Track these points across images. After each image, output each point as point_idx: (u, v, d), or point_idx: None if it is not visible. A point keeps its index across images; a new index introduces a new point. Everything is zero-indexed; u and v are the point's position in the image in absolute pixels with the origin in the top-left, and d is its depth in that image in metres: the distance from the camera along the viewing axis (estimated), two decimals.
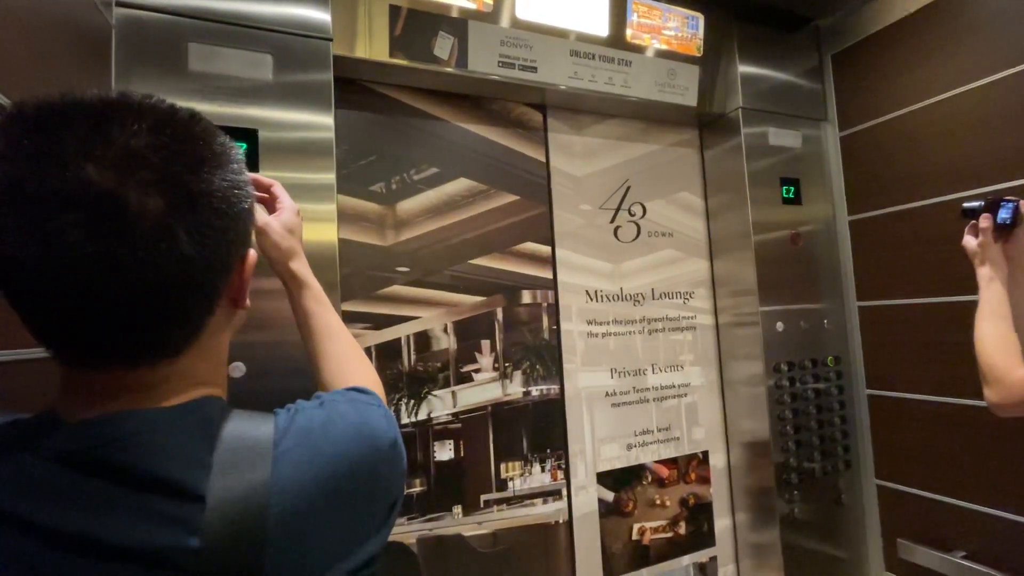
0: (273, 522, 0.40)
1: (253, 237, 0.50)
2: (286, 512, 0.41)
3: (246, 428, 0.43)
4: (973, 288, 1.01)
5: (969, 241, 1.02)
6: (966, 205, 1.03)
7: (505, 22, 1.18)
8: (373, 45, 1.07)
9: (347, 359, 0.68)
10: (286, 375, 0.83)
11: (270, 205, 0.72)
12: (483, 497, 1.22)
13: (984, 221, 0.99)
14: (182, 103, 0.43)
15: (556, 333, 1.34)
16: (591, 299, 1.39)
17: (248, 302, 0.49)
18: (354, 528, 0.46)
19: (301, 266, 0.71)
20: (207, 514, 0.38)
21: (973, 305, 0.99)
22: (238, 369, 0.85)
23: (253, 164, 0.90)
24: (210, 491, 0.39)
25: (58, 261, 0.35)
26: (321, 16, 0.98)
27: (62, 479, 0.38)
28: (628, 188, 1.47)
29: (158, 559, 0.37)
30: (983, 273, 0.99)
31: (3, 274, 0.37)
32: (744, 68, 1.44)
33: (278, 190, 0.73)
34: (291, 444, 0.44)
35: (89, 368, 0.41)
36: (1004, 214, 0.98)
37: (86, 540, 0.36)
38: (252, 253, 0.48)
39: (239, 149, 0.46)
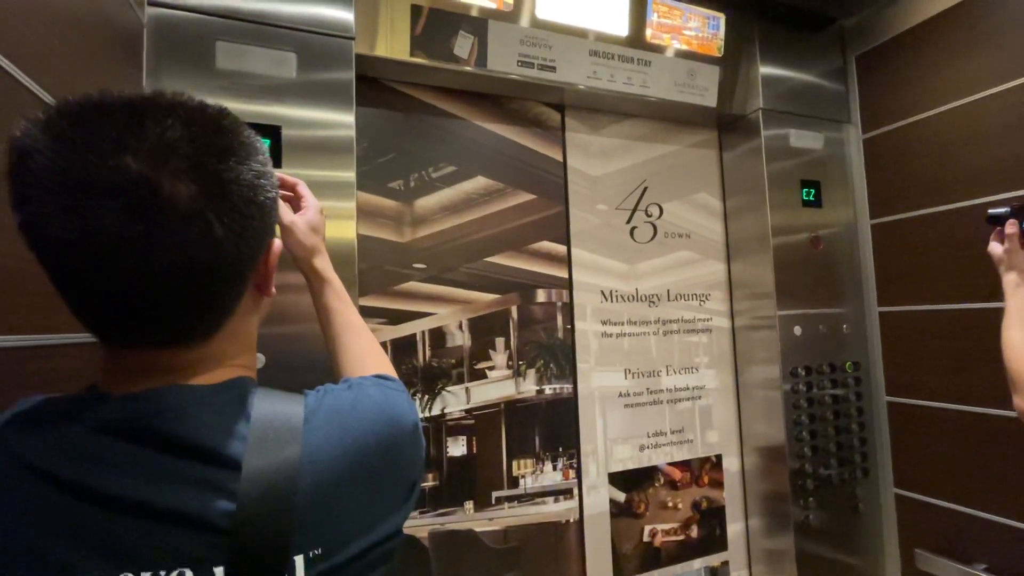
0: (303, 491, 0.42)
1: (277, 230, 0.52)
2: (315, 483, 0.43)
3: (279, 405, 0.46)
4: (998, 295, 0.99)
5: (995, 247, 1.00)
6: (992, 211, 1.01)
7: (525, 21, 1.18)
8: (394, 44, 1.09)
9: (366, 355, 0.69)
10: (305, 367, 0.84)
11: (295, 204, 0.74)
12: (495, 494, 1.22)
13: (1010, 227, 0.97)
14: (209, 99, 0.45)
15: (570, 332, 1.34)
16: (606, 299, 1.39)
17: (273, 290, 0.52)
18: (378, 503, 0.48)
19: (324, 264, 0.73)
20: (242, 481, 0.40)
21: (998, 312, 0.97)
22: (259, 360, 0.87)
23: (276, 160, 0.92)
24: (246, 460, 0.41)
25: (99, 242, 0.37)
26: (344, 15, 1.00)
27: (110, 447, 0.40)
28: (645, 189, 1.46)
29: (197, 521, 0.39)
30: (1009, 280, 0.97)
31: (49, 255, 0.39)
32: (765, 69, 1.43)
33: (303, 189, 0.75)
34: (321, 421, 0.46)
35: (128, 348, 0.43)
36: None
37: (132, 503, 0.39)
38: (277, 243, 0.50)
39: (263, 143, 0.48)
